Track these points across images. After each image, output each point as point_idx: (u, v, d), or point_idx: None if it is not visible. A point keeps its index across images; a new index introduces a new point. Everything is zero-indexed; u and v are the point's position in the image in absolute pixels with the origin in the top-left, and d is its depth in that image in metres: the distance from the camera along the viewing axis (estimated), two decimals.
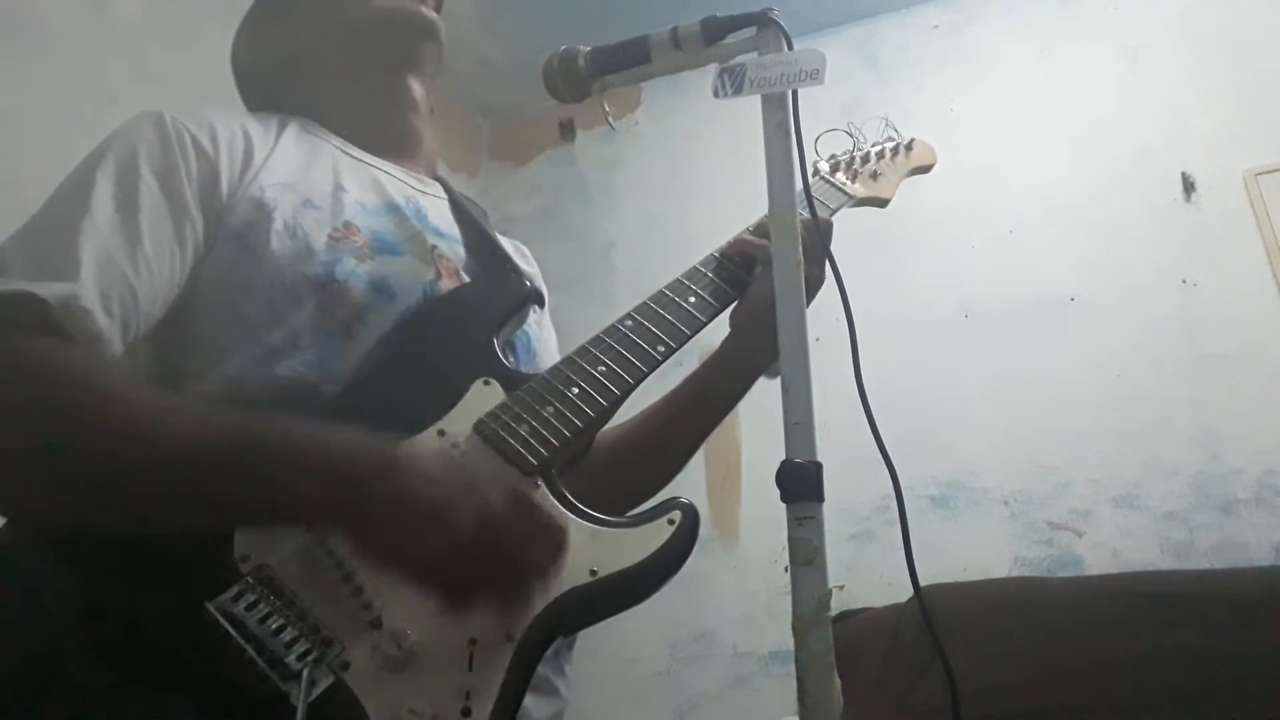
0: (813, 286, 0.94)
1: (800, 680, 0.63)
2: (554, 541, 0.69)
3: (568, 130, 3.43)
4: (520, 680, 0.67)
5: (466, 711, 0.64)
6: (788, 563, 0.66)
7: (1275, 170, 2.50)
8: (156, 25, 2.25)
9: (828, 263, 0.90)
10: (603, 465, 0.99)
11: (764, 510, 2.62)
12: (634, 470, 1.03)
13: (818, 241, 0.89)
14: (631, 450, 1.03)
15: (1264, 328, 2.38)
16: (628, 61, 0.86)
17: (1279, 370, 2.34)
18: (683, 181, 3.18)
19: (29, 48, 1.94)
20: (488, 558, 0.64)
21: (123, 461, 0.64)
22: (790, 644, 0.64)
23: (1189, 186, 2.58)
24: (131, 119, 0.84)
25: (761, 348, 0.91)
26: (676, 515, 0.75)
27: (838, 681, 0.64)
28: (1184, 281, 2.50)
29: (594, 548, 0.73)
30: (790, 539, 0.66)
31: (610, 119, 0.94)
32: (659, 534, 0.74)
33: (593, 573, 0.72)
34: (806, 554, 0.65)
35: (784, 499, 0.67)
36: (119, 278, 0.73)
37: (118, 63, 2.10)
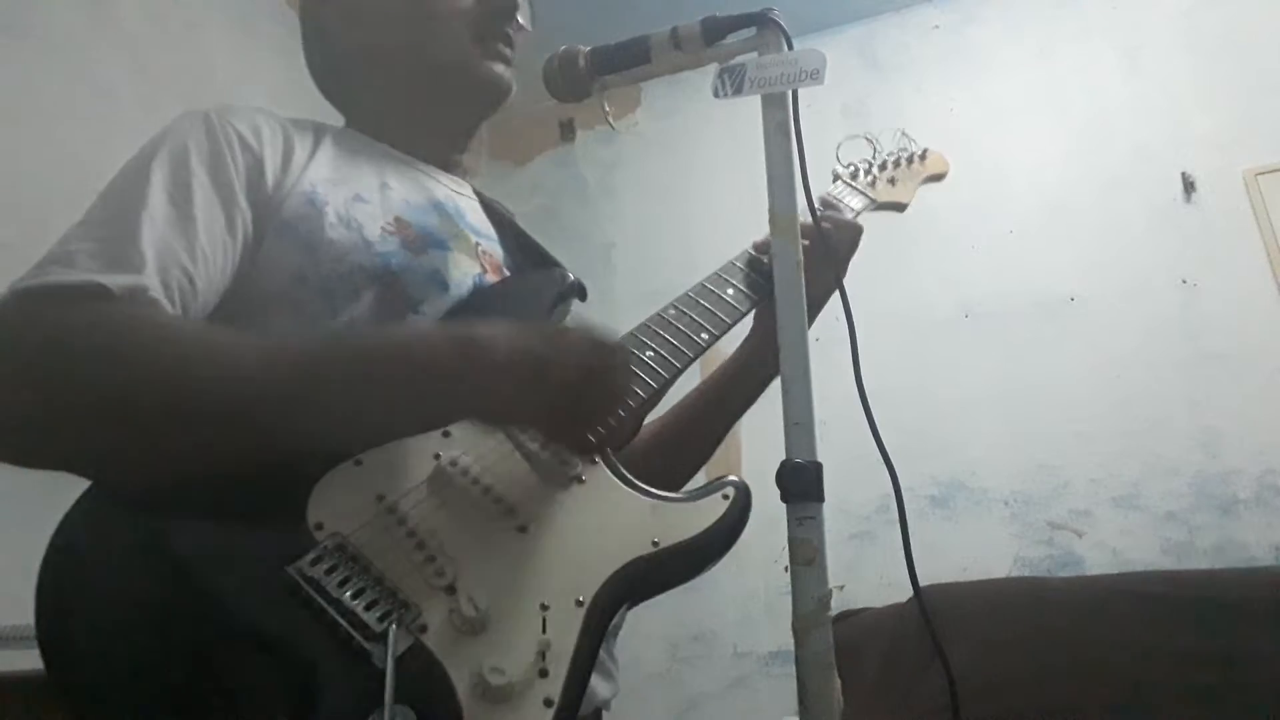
0: (821, 295, 0.98)
1: (800, 680, 0.64)
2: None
3: (568, 130, 3.44)
4: (592, 644, 0.68)
5: (544, 672, 0.65)
6: (788, 563, 0.66)
7: (1275, 170, 2.50)
8: (156, 25, 2.24)
9: (827, 263, 0.91)
10: (640, 455, 1.01)
11: (764, 510, 2.62)
12: (668, 456, 1.05)
13: (838, 246, 0.96)
14: (664, 437, 1.07)
15: (1264, 328, 2.38)
16: (628, 61, 0.86)
17: (1279, 370, 2.34)
18: (683, 181, 3.18)
19: (29, 48, 1.94)
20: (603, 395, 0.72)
21: (239, 395, 0.65)
22: (790, 644, 0.64)
23: (1189, 186, 2.58)
24: (178, 118, 0.86)
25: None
26: (731, 490, 0.80)
27: (838, 681, 0.64)
28: (1184, 281, 2.50)
29: (654, 520, 0.77)
30: (790, 539, 0.66)
31: (610, 119, 0.94)
32: (716, 508, 0.79)
33: (655, 544, 0.75)
34: (806, 554, 0.65)
35: (784, 499, 0.67)
36: (179, 268, 0.75)
37: (118, 63, 2.09)
